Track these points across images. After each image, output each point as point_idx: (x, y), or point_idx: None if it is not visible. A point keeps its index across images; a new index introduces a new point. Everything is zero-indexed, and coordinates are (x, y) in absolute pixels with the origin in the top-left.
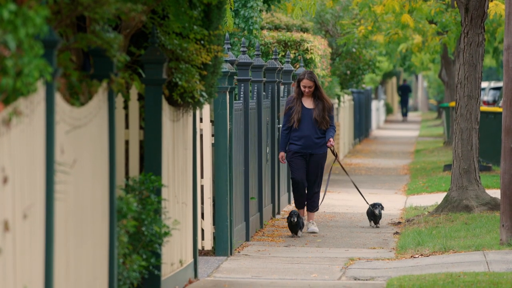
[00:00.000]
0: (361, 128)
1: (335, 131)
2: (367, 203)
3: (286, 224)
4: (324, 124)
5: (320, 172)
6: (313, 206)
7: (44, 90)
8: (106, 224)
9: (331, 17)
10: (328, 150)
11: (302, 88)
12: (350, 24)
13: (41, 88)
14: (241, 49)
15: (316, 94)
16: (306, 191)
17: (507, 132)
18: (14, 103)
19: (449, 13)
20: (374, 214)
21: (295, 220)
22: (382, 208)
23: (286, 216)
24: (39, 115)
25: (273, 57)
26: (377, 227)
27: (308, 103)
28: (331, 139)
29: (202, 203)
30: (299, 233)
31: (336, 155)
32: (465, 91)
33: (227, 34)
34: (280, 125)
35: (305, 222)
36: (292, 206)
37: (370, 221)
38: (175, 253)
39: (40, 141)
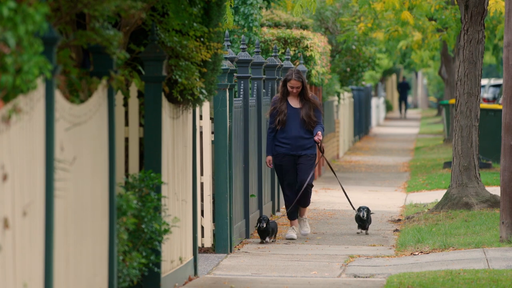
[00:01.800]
0: (361, 125)
1: (323, 128)
2: (353, 208)
3: (286, 221)
4: (311, 124)
5: (308, 171)
6: (304, 202)
7: (43, 87)
8: (105, 222)
9: (331, 14)
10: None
11: (290, 89)
12: (350, 21)
13: (41, 85)
14: (241, 46)
15: (303, 93)
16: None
17: (507, 129)
18: (14, 100)
19: (449, 10)
20: (360, 218)
21: (264, 226)
22: (369, 211)
23: (286, 213)
24: (39, 112)
25: (273, 54)
26: (366, 233)
27: (294, 102)
28: (319, 133)
29: (202, 200)
30: (267, 239)
31: (322, 152)
32: (465, 88)
33: (226, 31)
34: None
35: (287, 225)
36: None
37: (358, 227)
38: (175, 250)
39: (39, 138)
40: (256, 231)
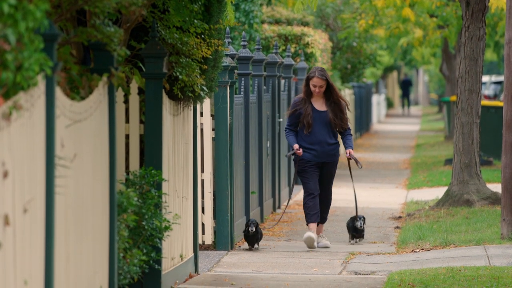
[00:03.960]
0: (362, 122)
1: (351, 135)
2: (357, 214)
3: (287, 219)
4: (338, 127)
5: (332, 180)
6: (324, 218)
7: (44, 84)
8: (106, 219)
9: (332, 11)
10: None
11: (312, 88)
12: (351, 18)
13: (41, 82)
14: (242, 43)
15: (329, 93)
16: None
17: (508, 126)
18: (14, 97)
19: (450, 7)
20: (355, 228)
21: (253, 230)
22: (364, 220)
23: (287, 210)
24: (39, 109)
25: (274, 51)
26: (355, 242)
27: (319, 104)
28: (351, 150)
29: (203, 197)
30: (256, 245)
31: (361, 167)
32: (466, 85)
33: (227, 28)
34: (281, 119)
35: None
36: (292, 201)
37: (351, 238)
38: (176, 247)
39: (40, 135)
40: (243, 236)
